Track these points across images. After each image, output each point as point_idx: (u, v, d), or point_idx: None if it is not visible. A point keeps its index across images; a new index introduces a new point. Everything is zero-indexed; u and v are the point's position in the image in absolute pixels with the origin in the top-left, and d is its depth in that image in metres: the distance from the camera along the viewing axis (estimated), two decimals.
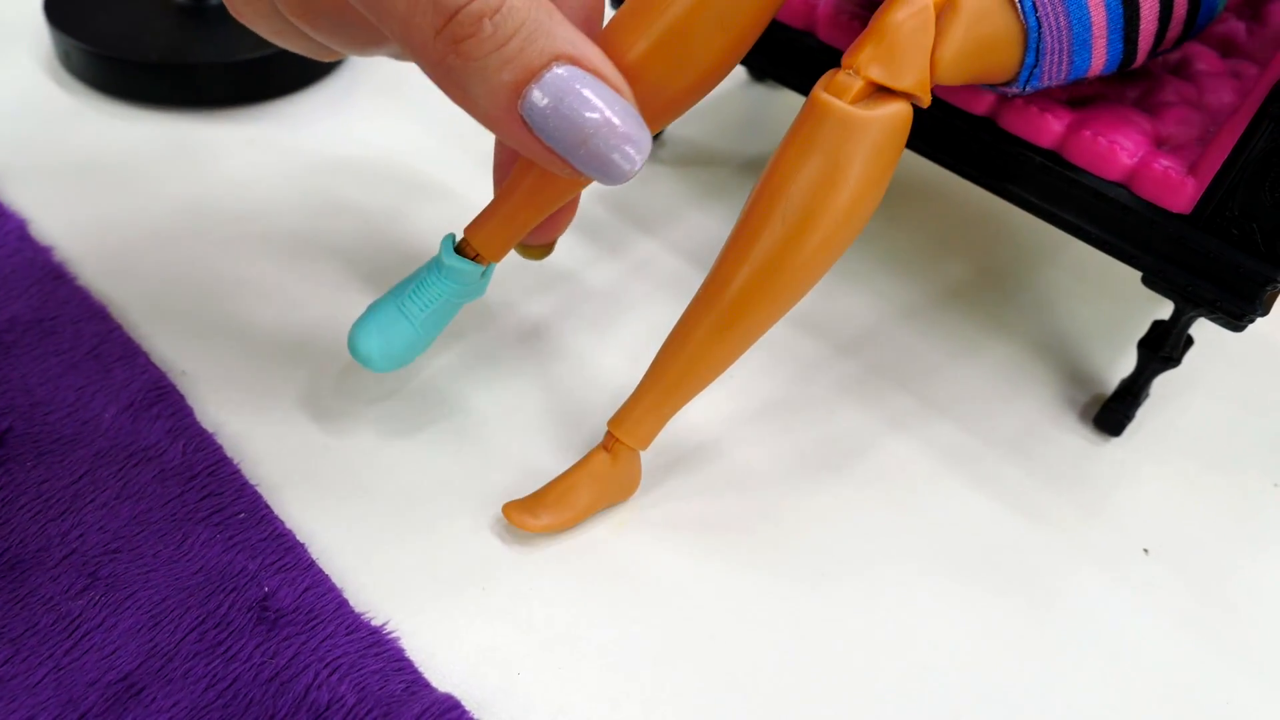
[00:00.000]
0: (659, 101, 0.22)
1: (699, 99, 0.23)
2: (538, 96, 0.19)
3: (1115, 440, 0.30)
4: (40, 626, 0.21)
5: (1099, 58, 0.24)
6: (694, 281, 0.23)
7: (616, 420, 0.24)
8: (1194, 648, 0.25)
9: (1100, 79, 0.27)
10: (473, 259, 0.24)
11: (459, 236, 0.24)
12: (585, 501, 0.24)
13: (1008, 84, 0.24)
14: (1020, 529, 0.27)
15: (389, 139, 0.37)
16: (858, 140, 0.21)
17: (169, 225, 0.32)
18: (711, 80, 0.23)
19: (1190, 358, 0.32)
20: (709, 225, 0.35)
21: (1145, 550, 0.27)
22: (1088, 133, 0.25)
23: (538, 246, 0.27)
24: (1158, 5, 0.24)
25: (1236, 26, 0.30)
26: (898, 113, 0.21)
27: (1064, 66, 0.23)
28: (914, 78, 0.21)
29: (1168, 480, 0.29)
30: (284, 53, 0.37)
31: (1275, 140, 0.23)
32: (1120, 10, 0.23)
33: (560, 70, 0.19)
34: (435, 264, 0.24)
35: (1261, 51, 0.29)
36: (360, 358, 0.24)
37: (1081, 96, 0.27)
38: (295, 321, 0.29)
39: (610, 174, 0.19)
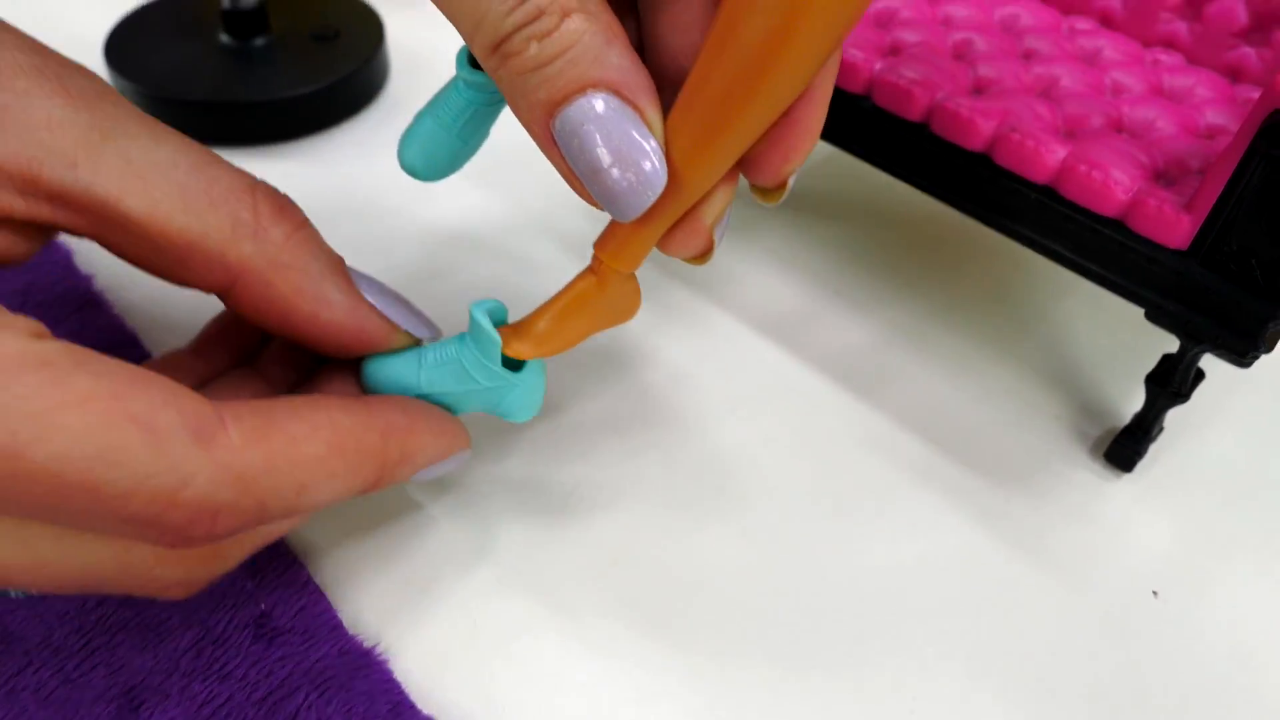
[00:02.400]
0: None
1: None
2: (562, 120, 0.19)
3: (1127, 476, 0.29)
4: (54, 639, 0.22)
5: None
6: None
7: (601, 242, 0.22)
8: (1202, 696, 0.24)
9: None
10: None
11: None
12: (577, 327, 0.23)
13: None
14: (1021, 567, 0.26)
15: None
16: None
17: None
18: None
19: (1209, 392, 0.32)
20: None
21: (1154, 593, 0.26)
22: (1082, 167, 0.25)
23: (771, 189, 0.23)
24: None
25: (1246, 53, 0.30)
26: None
27: None
28: None
29: (1180, 520, 0.28)
30: (318, 92, 0.39)
31: (1268, 179, 0.22)
32: None
33: (588, 100, 0.19)
34: (456, 80, 0.24)
35: (1269, 78, 0.29)
36: (406, 168, 0.25)
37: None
38: None
39: (617, 208, 0.20)
